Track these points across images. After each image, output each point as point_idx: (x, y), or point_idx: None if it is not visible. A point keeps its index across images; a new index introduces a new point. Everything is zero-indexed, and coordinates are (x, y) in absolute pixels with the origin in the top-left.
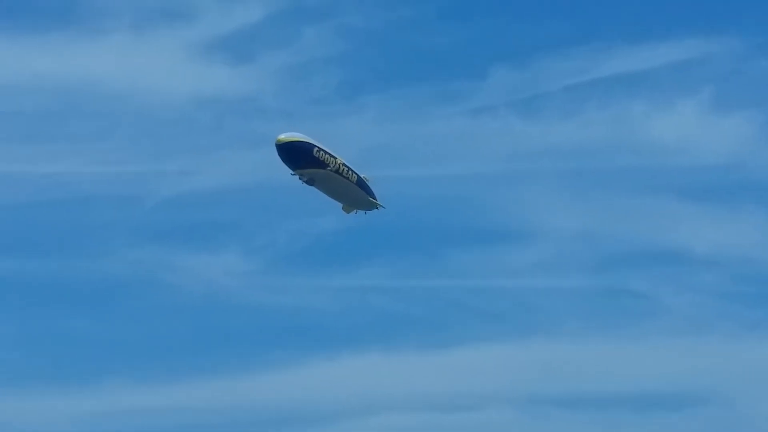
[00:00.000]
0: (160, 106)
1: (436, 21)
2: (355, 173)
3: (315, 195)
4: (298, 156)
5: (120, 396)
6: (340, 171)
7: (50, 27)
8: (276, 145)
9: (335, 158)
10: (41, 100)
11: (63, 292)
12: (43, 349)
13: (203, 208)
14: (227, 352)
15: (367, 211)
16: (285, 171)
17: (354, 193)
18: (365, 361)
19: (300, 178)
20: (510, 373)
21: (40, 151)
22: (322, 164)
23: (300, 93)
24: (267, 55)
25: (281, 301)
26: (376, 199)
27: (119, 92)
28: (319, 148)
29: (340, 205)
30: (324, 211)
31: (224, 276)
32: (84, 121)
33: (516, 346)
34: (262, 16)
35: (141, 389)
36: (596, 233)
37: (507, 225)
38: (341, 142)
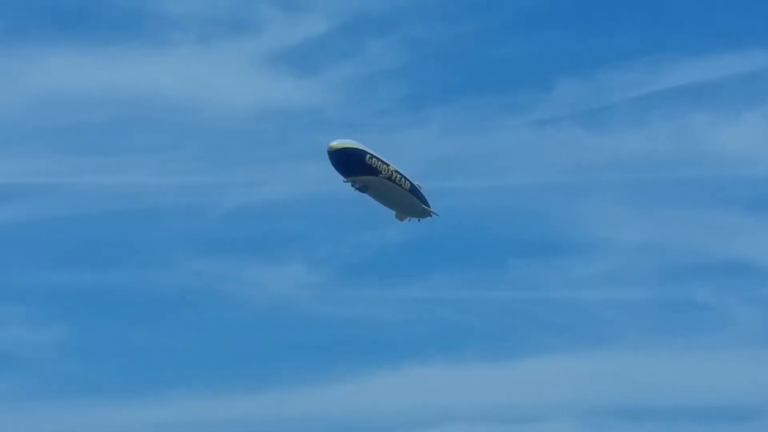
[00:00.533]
0: (225, 117)
1: (501, 33)
2: (408, 180)
3: (368, 202)
4: (351, 163)
5: (185, 407)
6: (393, 178)
7: (117, 39)
8: (328, 152)
9: (388, 165)
10: (108, 112)
11: (129, 303)
12: (109, 361)
13: (268, 220)
14: (291, 363)
15: (420, 219)
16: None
17: (407, 200)
18: (429, 372)
19: (352, 185)
20: (573, 384)
21: (107, 162)
22: (374, 171)
23: (364, 105)
24: (332, 67)
25: (345, 312)
26: (429, 207)
27: (185, 104)
28: (371, 154)
29: (393, 212)
30: (385, 222)
31: (289, 287)
32: (150, 133)
33: (580, 357)
34: (327, 28)
35: (206, 401)
36: (660, 245)
37: (571, 236)
38: (406, 154)
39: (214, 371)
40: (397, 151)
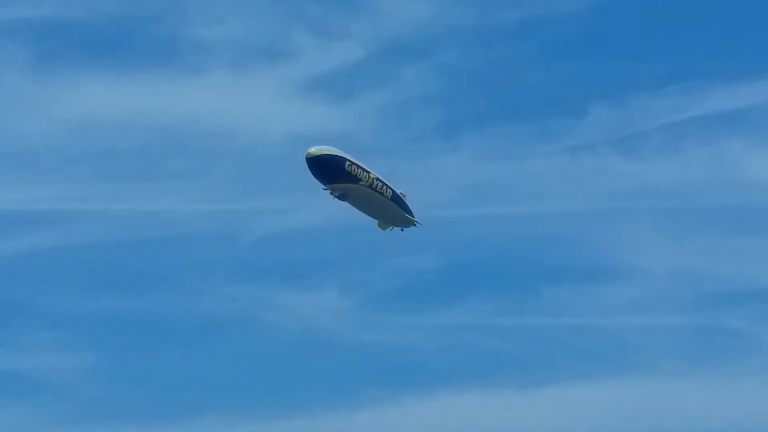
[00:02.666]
0: (259, 144)
1: (535, 59)
2: (390, 188)
3: (349, 211)
4: (330, 170)
5: None
6: (374, 186)
7: (151, 65)
8: (306, 158)
9: (368, 172)
10: (142, 138)
11: (160, 329)
12: (141, 387)
13: (300, 246)
14: (324, 390)
15: (404, 228)
16: None
17: (389, 209)
18: (461, 399)
19: (331, 193)
20: (606, 411)
21: (140, 189)
22: (354, 179)
23: (398, 131)
24: (366, 94)
25: (377, 339)
26: (413, 216)
27: (218, 130)
28: (351, 161)
29: (376, 221)
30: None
31: (321, 314)
32: (183, 159)
33: (613, 384)
34: (362, 55)
35: (238, 427)
36: (693, 271)
37: (604, 263)
38: (440, 180)
39: (245, 398)
40: (431, 178)
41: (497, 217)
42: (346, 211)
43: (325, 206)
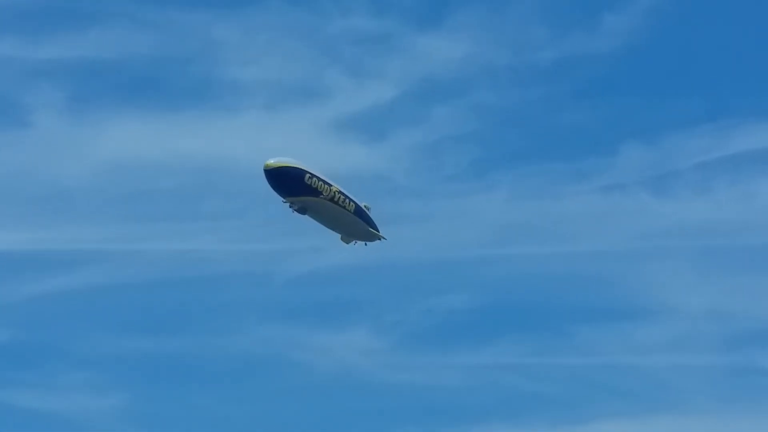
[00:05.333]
0: None
1: (568, 99)
2: (353, 201)
3: (310, 225)
4: (288, 182)
5: None
6: (336, 199)
7: (185, 106)
8: (264, 170)
9: (330, 185)
10: (177, 179)
11: (194, 370)
12: (174, 428)
13: (334, 286)
14: (358, 430)
15: (367, 243)
16: None
17: (351, 223)
18: None
19: (290, 207)
20: None
21: (175, 229)
22: (314, 192)
23: (432, 171)
24: (399, 134)
25: (410, 378)
26: (377, 230)
27: (253, 171)
28: (311, 174)
29: (339, 236)
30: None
31: (355, 354)
32: (218, 200)
33: (645, 423)
34: (395, 94)
35: None
36: (726, 311)
37: (637, 302)
38: (473, 219)
39: None
40: (464, 218)
41: (530, 256)
42: (310, 225)
43: (358, 245)
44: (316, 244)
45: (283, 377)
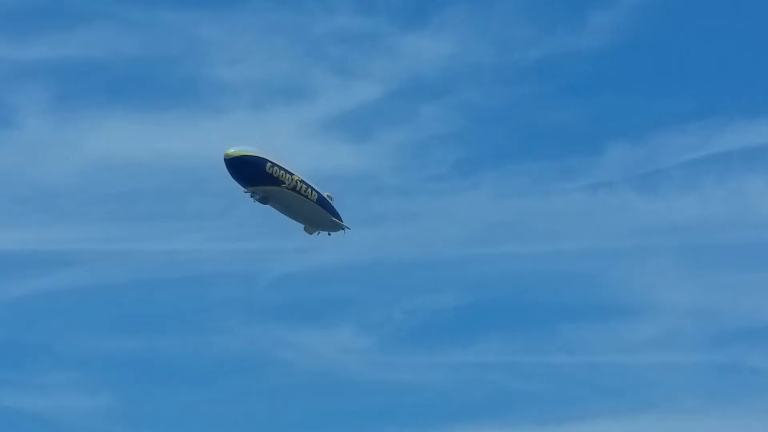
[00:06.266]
0: None
1: (553, 97)
2: (316, 191)
3: (272, 215)
4: (250, 172)
5: None
6: (298, 188)
7: (171, 106)
8: (225, 159)
9: (291, 174)
10: (162, 179)
11: (179, 370)
12: (159, 428)
13: (319, 286)
14: (342, 429)
15: (331, 233)
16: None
17: (314, 212)
18: None
19: (252, 197)
20: None
21: (160, 229)
22: (276, 181)
23: (418, 170)
24: (385, 133)
25: (396, 377)
26: (340, 220)
27: None
28: (272, 163)
29: (302, 226)
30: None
31: (339, 353)
32: (203, 199)
33: (632, 422)
34: (381, 93)
35: None
36: (713, 309)
37: (623, 300)
38: (459, 218)
39: None
40: (450, 216)
41: (516, 255)
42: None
43: (344, 245)
44: (300, 244)
45: (269, 376)
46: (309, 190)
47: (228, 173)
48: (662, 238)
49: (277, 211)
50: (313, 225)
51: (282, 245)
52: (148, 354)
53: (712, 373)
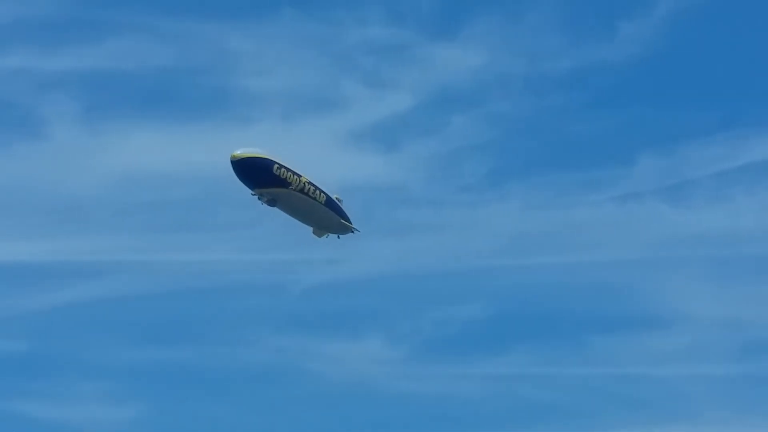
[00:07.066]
0: None
1: (583, 108)
2: (324, 193)
3: (280, 218)
4: (257, 173)
5: None
6: (306, 190)
7: (201, 117)
8: (231, 161)
9: (299, 176)
10: (191, 189)
11: (208, 380)
12: None
13: (348, 296)
14: None
15: (340, 236)
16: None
17: (323, 214)
18: None
19: (259, 199)
20: None
21: (188, 239)
22: (283, 183)
23: (448, 181)
24: (415, 144)
25: (424, 388)
26: (350, 222)
27: None
28: (279, 164)
29: (311, 229)
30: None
31: (368, 364)
32: (232, 210)
33: None
34: (411, 104)
35: None
36: (742, 320)
37: (652, 312)
38: (488, 229)
39: None
40: (480, 227)
41: (545, 266)
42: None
43: (373, 255)
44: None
45: (298, 387)
46: (317, 191)
47: (235, 175)
48: (691, 250)
49: (285, 214)
50: (321, 228)
51: (311, 256)
52: (176, 365)
53: (741, 384)
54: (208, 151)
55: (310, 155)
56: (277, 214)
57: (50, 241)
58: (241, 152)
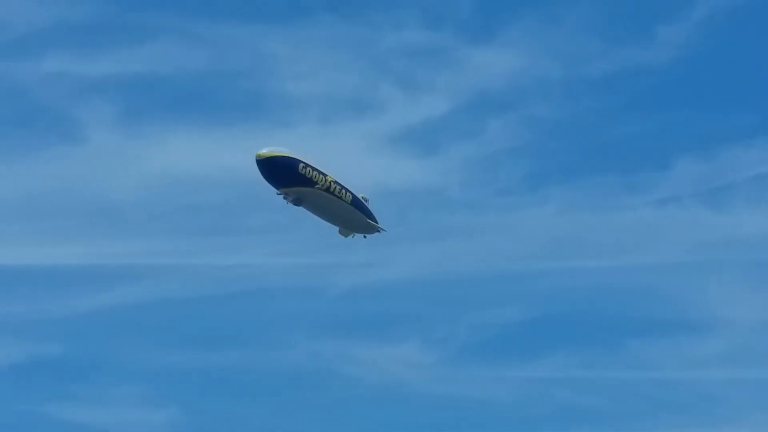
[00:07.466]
0: None
1: (621, 112)
2: (350, 192)
3: (306, 217)
4: (282, 172)
5: None
6: (331, 189)
7: (238, 120)
8: (256, 160)
9: (325, 175)
10: (228, 193)
11: (244, 384)
12: None
13: (384, 300)
14: None
15: (366, 235)
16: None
17: (348, 214)
18: None
19: (285, 198)
20: None
21: (225, 243)
22: (309, 182)
23: (485, 184)
24: (452, 147)
25: (460, 392)
26: (376, 221)
27: None
28: (305, 164)
29: (336, 228)
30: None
31: (404, 368)
32: (268, 214)
33: None
34: (448, 108)
35: None
36: None
37: (691, 315)
38: (526, 232)
39: None
40: (518, 230)
41: (583, 269)
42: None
43: (408, 259)
44: (367, 257)
45: (333, 391)
46: (343, 191)
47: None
48: (731, 253)
49: (311, 213)
50: (347, 227)
51: (347, 259)
52: (212, 368)
53: None
54: (245, 154)
55: (346, 159)
56: (304, 214)
57: (87, 244)
58: (266, 151)
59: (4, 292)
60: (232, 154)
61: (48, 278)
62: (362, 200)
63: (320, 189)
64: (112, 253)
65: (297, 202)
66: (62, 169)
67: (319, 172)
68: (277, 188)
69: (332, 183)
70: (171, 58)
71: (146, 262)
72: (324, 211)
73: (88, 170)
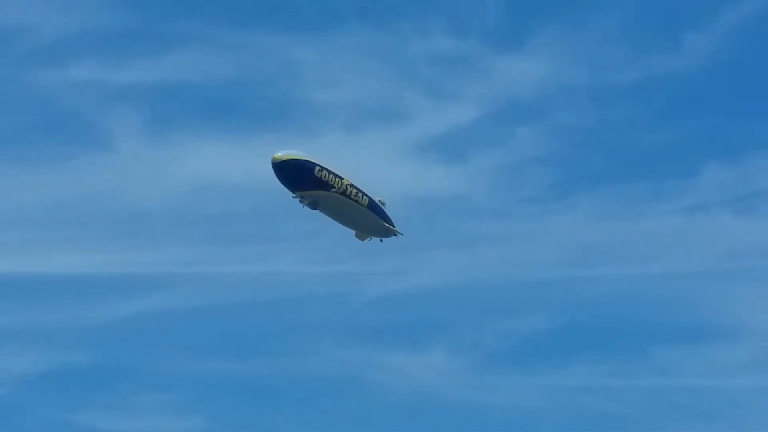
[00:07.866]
0: None
1: (649, 119)
2: (367, 195)
3: (322, 221)
4: (298, 176)
5: None
6: (348, 193)
7: (265, 128)
8: (272, 163)
9: (341, 179)
10: (255, 201)
11: (271, 392)
12: None
13: (411, 308)
14: None
15: (383, 239)
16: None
17: (365, 218)
18: None
19: (301, 202)
20: None
21: (253, 251)
22: (325, 185)
23: (512, 192)
24: (480, 155)
25: (487, 400)
26: (393, 225)
27: None
28: (321, 167)
29: (353, 232)
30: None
31: (432, 375)
32: (296, 222)
33: None
34: (475, 116)
35: None
36: None
37: (718, 323)
38: (553, 240)
39: None
40: (545, 238)
41: (610, 277)
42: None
43: (435, 267)
44: (396, 265)
45: (361, 399)
46: (359, 194)
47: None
48: (758, 261)
49: (327, 217)
50: (364, 231)
51: (375, 267)
52: (241, 376)
53: None
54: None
55: (373, 167)
56: (325, 220)
57: (115, 252)
58: (282, 154)
59: (33, 301)
60: (260, 162)
61: (77, 287)
62: (379, 204)
63: (337, 192)
64: (140, 262)
65: (313, 205)
66: (90, 177)
67: (336, 176)
68: (293, 192)
69: (348, 186)
70: (199, 66)
71: (174, 271)
72: (340, 214)
73: (116, 178)
